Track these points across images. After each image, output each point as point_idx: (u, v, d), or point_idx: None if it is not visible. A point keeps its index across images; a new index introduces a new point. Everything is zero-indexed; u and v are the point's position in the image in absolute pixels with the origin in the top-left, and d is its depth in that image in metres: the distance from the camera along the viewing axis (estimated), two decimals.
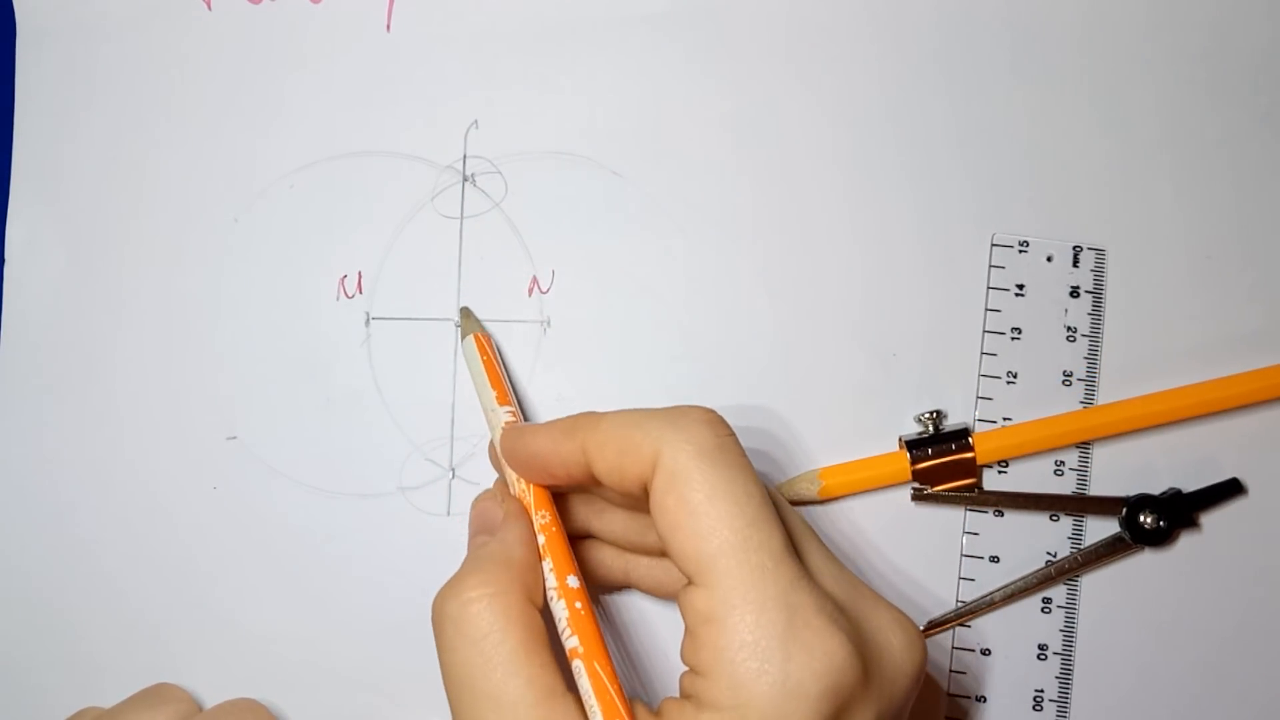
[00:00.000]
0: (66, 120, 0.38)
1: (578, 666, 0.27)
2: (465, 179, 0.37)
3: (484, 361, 0.35)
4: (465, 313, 0.36)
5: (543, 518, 0.31)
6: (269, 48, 0.38)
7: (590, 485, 0.31)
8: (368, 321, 0.37)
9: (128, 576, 0.37)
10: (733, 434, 0.29)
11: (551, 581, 0.29)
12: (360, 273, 0.37)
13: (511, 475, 0.32)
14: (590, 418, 0.29)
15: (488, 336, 0.36)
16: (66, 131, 0.38)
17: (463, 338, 0.36)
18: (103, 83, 0.38)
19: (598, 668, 0.27)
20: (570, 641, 0.28)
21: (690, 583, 0.27)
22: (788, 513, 0.30)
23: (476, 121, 0.37)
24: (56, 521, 0.37)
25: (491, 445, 0.34)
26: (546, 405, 0.36)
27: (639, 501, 0.29)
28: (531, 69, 0.37)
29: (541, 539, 0.30)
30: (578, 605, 0.29)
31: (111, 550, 0.37)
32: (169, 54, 0.38)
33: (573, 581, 0.29)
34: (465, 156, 0.37)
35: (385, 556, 0.36)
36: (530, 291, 0.37)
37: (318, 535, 0.36)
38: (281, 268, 0.37)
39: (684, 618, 0.27)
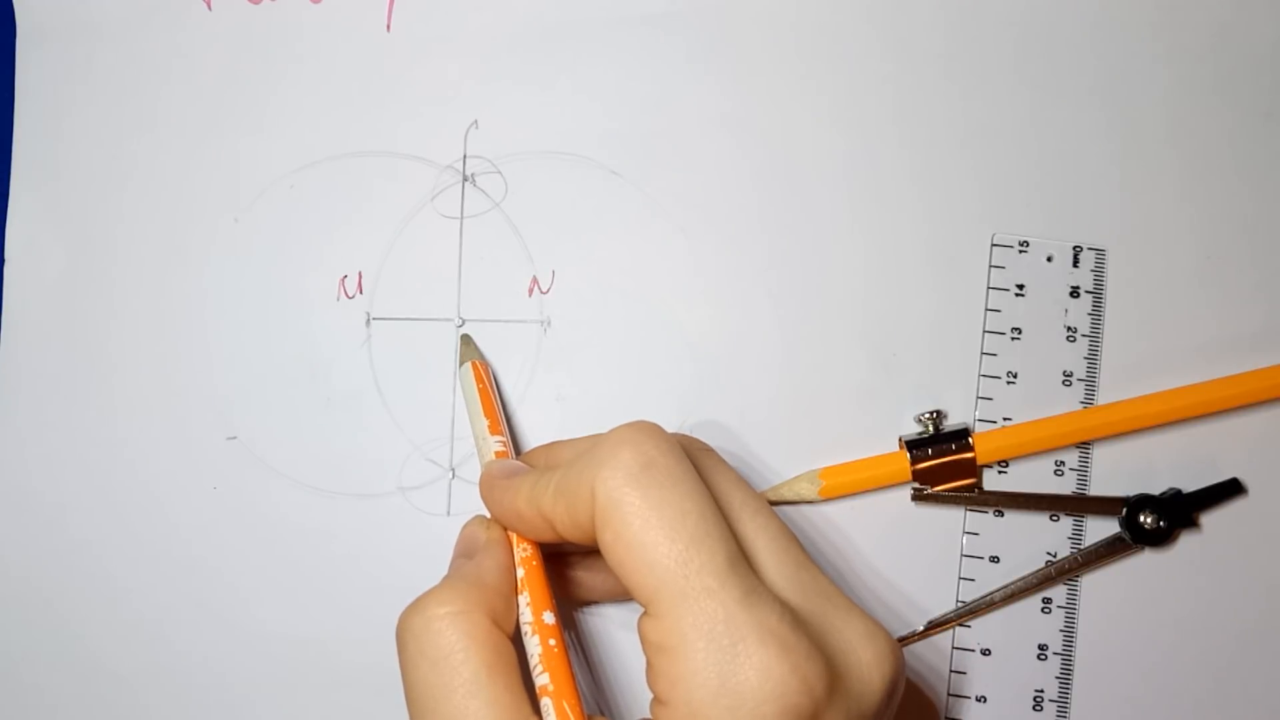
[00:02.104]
0: (66, 120, 0.38)
1: (546, 704, 0.27)
2: (465, 179, 0.37)
3: (479, 390, 0.35)
4: (465, 340, 0.36)
5: (524, 550, 0.30)
6: (269, 47, 0.38)
7: (570, 544, 0.30)
8: (368, 321, 0.37)
9: (127, 576, 0.37)
10: (664, 446, 0.28)
11: (527, 616, 0.29)
12: (360, 273, 0.37)
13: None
14: (545, 478, 0.29)
15: (485, 365, 0.36)
16: (66, 131, 0.38)
17: (460, 364, 0.36)
18: (103, 82, 0.38)
19: (567, 708, 0.27)
20: (541, 679, 0.28)
21: (645, 612, 0.27)
22: (749, 516, 0.29)
23: (476, 121, 0.37)
24: (56, 521, 0.37)
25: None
26: (546, 405, 0.36)
27: None
28: (531, 69, 0.37)
29: (521, 572, 0.30)
30: (551, 643, 0.28)
31: (111, 550, 0.37)
32: (169, 54, 0.38)
33: (548, 618, 0.29)
34: (465, 156, 0.37)
35: (385, 556, 0.36)
36: (530, 291, 0.37)
37: (318, 535, 0.36)
38: (281, 268, 0.37)
39: (642, 648, 0.27)
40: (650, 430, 0.28)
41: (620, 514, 0.27)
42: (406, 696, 0.28)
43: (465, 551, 0.31)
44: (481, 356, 0.36)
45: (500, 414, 0.35)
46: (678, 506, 0.27)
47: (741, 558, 0.27)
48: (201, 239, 0.37)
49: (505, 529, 0.31)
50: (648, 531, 0.26)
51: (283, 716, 0.36)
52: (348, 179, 0.37)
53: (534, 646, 0.28)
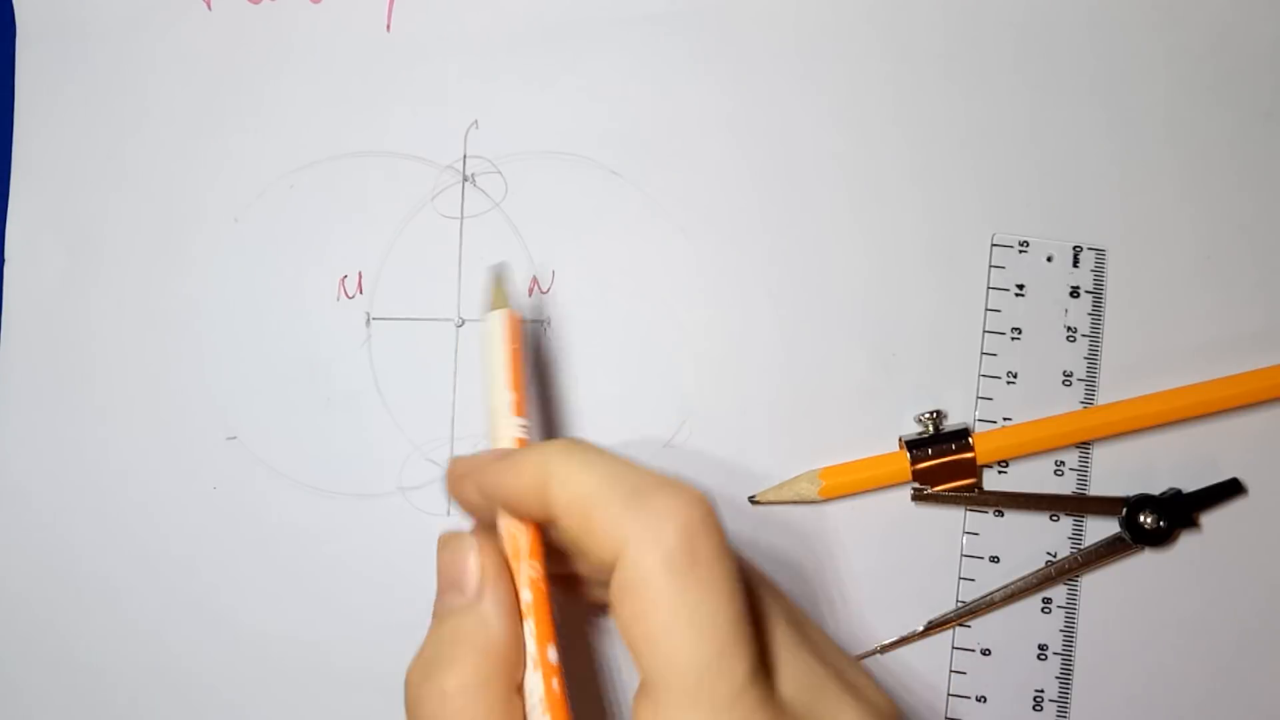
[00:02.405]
0: (66, 120, 0.38)
1: None
2: (465, 179, 0.37)
3: (509, 350, 0.29)
4: (496, 276, 0.30)
5: (533, 570, 0.27)
6: (269, 47, 0.38)
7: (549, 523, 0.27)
8: (368, 321, 0.37)
9: (127, 576, 0.37)
10: (710, 525, 0.25)
11: (531, 648, 0.27)
12: (360, 273, 0.37)
13: (504, 517, 0.28)
14: (560, 460, 0.26)
15: (519, 318, 0.30)
16: (66, 131, 0.38)
17: (491, 309, 0.30)
18: (103, 82, 0.38)
19: None
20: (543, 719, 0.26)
21: (643, 690, 0.25)
22: (764, 608, 0.27)
23: (476, 121, 0.37)
24: (56, 522, 0.37)
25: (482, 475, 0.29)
26: (546, 405, 0.36)
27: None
28: (531, 69, 0.37)
29: (528, 596, 0.27)
30: (554, 683, 0.26)
31: (111, 550, 0.37)
32: (169, 54, 0.38)
33: (553, 655, 0.27)
34: (465, 156, 0.37)
35: (385, 556, 0.36)
36: (530, 291, 0.37)
37: (318, 535, 0.36)
38: (281, 268, 0.37)
39: (633, 717, 0.25)
40: (700, 507, 0.26)
41: (649, 596, 0.25)
42: None
43: (454, 583, 0.28)
44: (515, 305, 0.30)
45: (526, 388, 0.29)
46: (712, 609, 0.25)
47: (761, 669, 0.25)
48: (201, 239, 0.37)
49: (500, 554, 0.28)
50: (675, 628, 0.24)
51: (283, 715, 0.36)
52: (348, 179, 0.37)
53: (536, 683, 0.27)
